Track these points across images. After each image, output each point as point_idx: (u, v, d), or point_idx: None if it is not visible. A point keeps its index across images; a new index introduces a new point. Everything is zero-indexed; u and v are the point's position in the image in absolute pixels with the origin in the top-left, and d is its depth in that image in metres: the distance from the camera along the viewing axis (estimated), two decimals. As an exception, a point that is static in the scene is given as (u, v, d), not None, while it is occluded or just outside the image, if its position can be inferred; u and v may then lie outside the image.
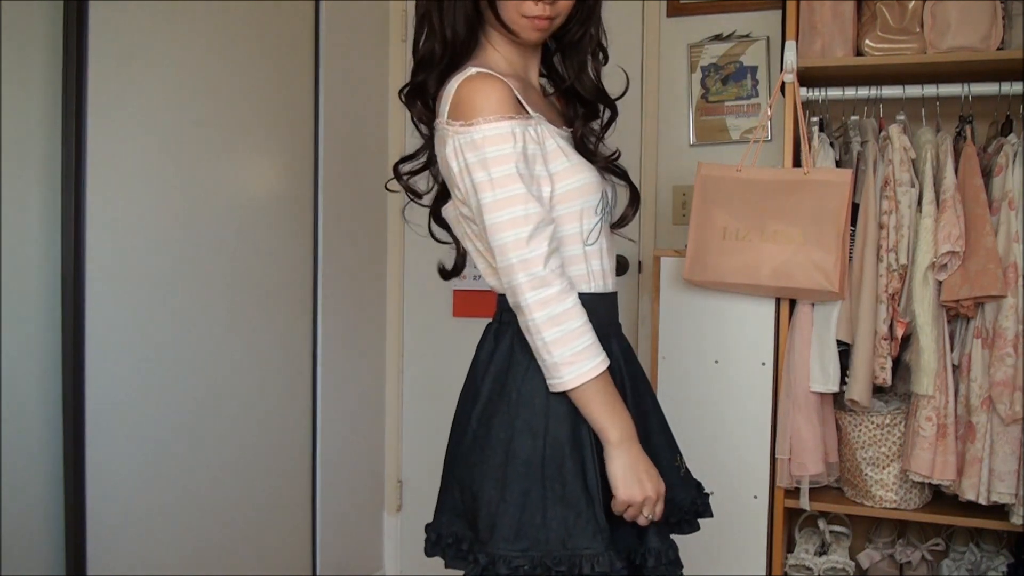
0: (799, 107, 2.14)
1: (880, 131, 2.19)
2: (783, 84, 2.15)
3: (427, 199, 1.42)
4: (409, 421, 2.98)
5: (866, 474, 2.18)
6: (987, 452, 2.00)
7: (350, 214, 2.70)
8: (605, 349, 1.32)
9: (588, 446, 1.26)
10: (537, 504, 1.24)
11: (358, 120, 2.74)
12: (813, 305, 2.16)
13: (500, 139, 1.21)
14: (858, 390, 2.09)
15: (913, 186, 2.08)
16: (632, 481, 1.24)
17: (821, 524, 2.37)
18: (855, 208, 2.12)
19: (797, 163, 2.16)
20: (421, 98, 1.32)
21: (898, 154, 2.08)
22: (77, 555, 1.77)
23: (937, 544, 2.30)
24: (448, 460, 1.39)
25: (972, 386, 2.02)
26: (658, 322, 2.26)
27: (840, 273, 2.02)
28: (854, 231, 2.12)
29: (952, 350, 2.07)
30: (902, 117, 2.14)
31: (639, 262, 2.72)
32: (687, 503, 1.43)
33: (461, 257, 1.45)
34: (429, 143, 1.36)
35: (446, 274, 1.47)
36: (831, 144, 2.21)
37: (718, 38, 2.64)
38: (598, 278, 1.33)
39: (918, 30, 2.13)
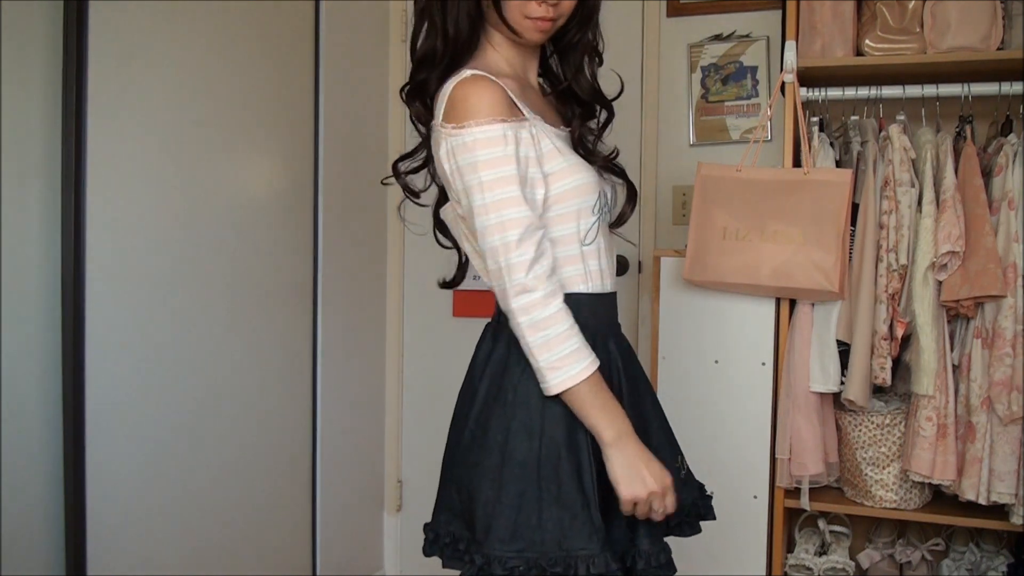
0: (799, 107, 2.14)
1: (880, 131, 2.20)
2: (783, 84, 2.15)
3: (425, 198, 1.42)
4: (409, 421, 2.98)
5: (866, 474, 2.18)
6: (987, 452, 2.00)
7: (350, 214, 2.70)
8: (603, 349, 1.32)
9: (584, 447, 1.26)
10: (533, 505, 1.24)
11: (358, 120, 2.74)
12: (813, 305, 2.16)
13: (491, 142, 1.21)
14: (855, 390, 2.09)
15: (913, 186, 2.08)
16: (633, 479, 1.24)
17: (821, 524, 2.37)
18: (855, 208, 2.12)
19: (797, 163, 2.16)
20: (421, 97, 1.32)
21: (898, 154, 2.08)
22: (77, 555, 1.77)
23: (937, 544, 2.30)
24: (446, 460, 1.39)
25: (972, 386, 2.02)
26: (658, 322, 2.26)
27: (840, 273, 2.02)
28: (854, 231, 2.12)
29: (952, 350, 2.07)
30: (902, 117, 2.14)
31: (639, 262, 2.72)
32: (688, 505, 1.43)
33: (461, 268, 1.45)
34: (426, 142, 1.36)
35: (447, 285, 1.47)
36: (831, 144, 2.21)
37: (718, 38, 2.64)
38: (596, 278, 1.33)
39: (918, 30, 2.13)
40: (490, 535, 1.24)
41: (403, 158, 1.40)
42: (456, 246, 1.43)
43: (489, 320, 1.40)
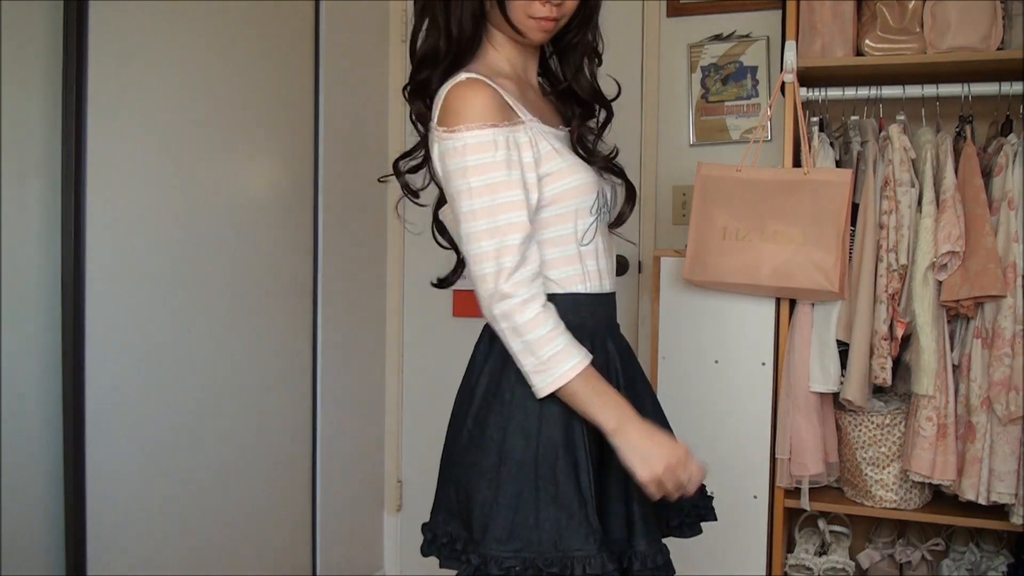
0: (799, 107, 2.14)
1: (880, 131, 2.19)
2: (783, 84, 2.15)
3: (424, 198, 1.42)
4: (409, 421, 2.98)
5: (866, 474, 2.18)
6: (987, 452, 2.00)
7: (350, 214, 2.70)
8: (601, 349, 1.32)
9: (582, 447, 1.26)
10: (530, 505, 1.24)
11: (358, 120, 2.74)
12: (813, 305, 2.16)
13: (481, 147, 1.21)
14: (853, 390, 2.09)
15: (913, 186, 2.08)
16: (643, 459, 1.23)
17: (821, 524, 2.37)
18: (855, 208, 2.12)
19: (797, 163, 2.16)
20: (422, 96, 1.32)
21: (898, 154, 2.08)
22: (77, 555, 1.77)
23: (937, 544, 2.30)
24: (444, 459, 1.39)
25: (972, 386, 2.02)
26: (658, 322, 2.26)
27: (840, 273, 2.02)
28: (854, 231, 2.12)
29: (952, 350, 2.07)
30: (902, 117, 2.14)
31: (639, 262, 2.72)
32: (689, 506, 1.43)
33: (457, 269, 1.45)
34: (425, 141, 1.36)
35: (440, 284, 1.47)
36: (831, 144, 2.21)
37: (718, 38, 2.63)
38: (594, 278, 1.33)
39: (918, 30, 2.13)
40: (487, 535, 1.24)
41: (403, 156, 1.40)
42: (454, 247, 1.43)
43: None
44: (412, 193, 1.41)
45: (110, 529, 1.85)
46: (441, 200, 1.42)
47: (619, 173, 1.41)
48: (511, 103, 1.27)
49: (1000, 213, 2.01)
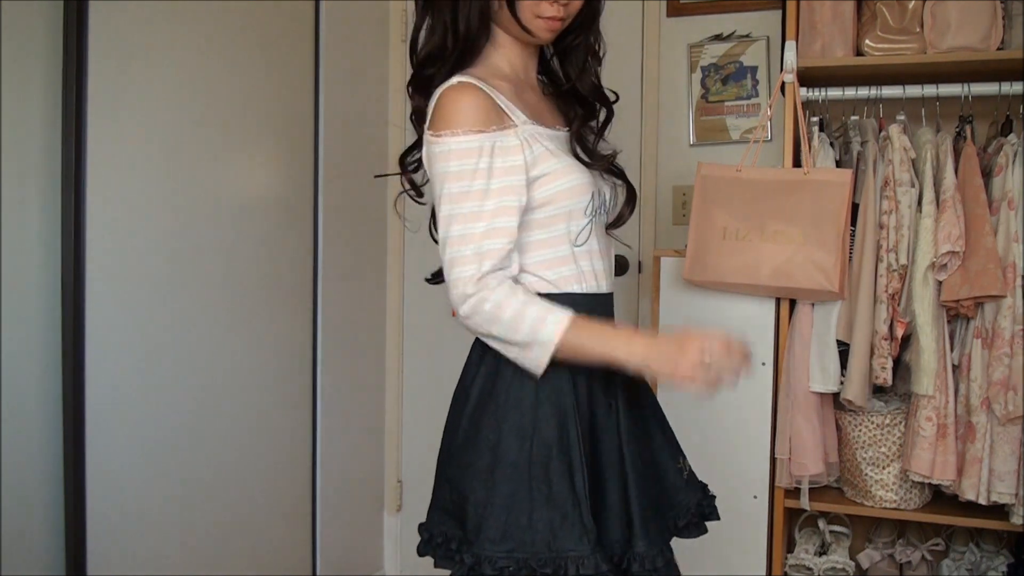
0: (799, 107, 2.14)
1: (880, 131, 2.20)
2: (783, 84, 2.15)
3: (425, 195, 1.42)
4: (409, 421, 2.98)
5: (866, 474, 2.18)
6: (987, 452, 2.00)
7: (350, 214, 2.70)
8: None
9: (576, 448, 1.26)
10: (524, 505, 1.24)
11: (358, 120, 2.74)
12: (813, 305, 2.16)
13: (464, 154, 1.22)
14: (854, 390, 2.09)
15: (913, 186, 2.08)
16: (668, 365, 1.20)
17: (821, 524, 2.37)
18: (855, 208, 2.12)
19: (797, 163, 2.16)
20: (425, 93, 1.32)
21: (898, 154, 2.08)
22: (77, 555, 1.77)
23: (937, 544, 2.30)
24: (441, 459, 1.39)
25: (972, 386, 2.02)
26: (658, 322, 2.26)
27: (840, 273, 2.02)
28: (854, 231, 2.12)
29: (952, 350, 2.07)
30: (902, 117, 2.14)
31: (639, 262, 2.72)
32: (692, 506, 1.43)
33: None
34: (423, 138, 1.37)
35: (434, 278, 1.47)
36: (831, 144, 2.21)
37: (718, 38, 2.63)
38: (590, 279, 1.33)
39: (918, 30, 2.13)
40: (481, 535, 1.24)
41: (408, 151, 1.40)
42: None
43: None
44: (415, 189, 1.41)
45: (110, 529, 1.85)
46: None
47: (619, 174, 1.41)
48: (504, 106, 1.27)
49: (1000, 213, 2.01)
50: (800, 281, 2.04)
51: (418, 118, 1.34)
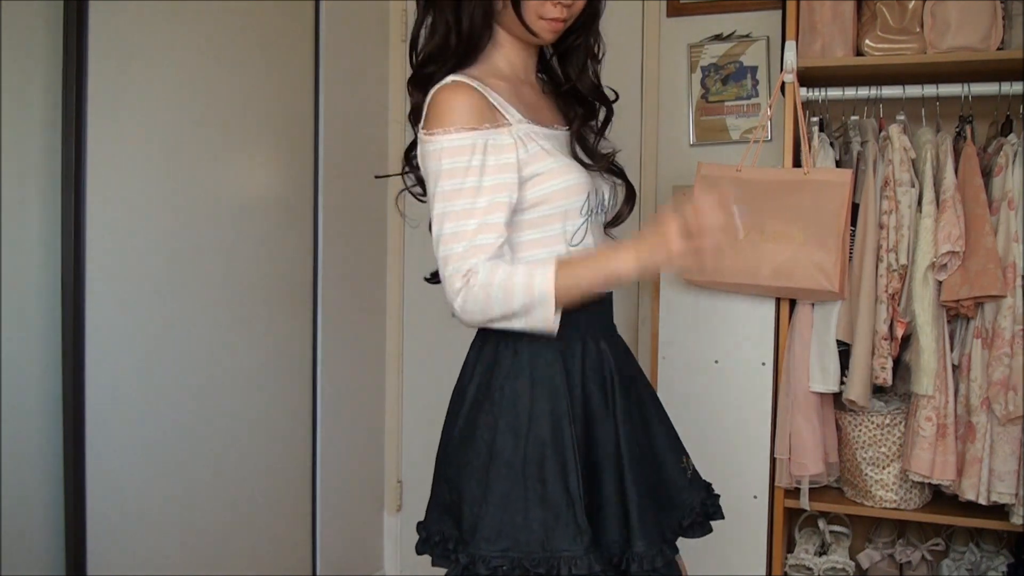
0: (799, 107, 2.14)
1: (880, 131, 2.20)
2: (783, 84, 2.15)
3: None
4: (409, 421, 2.98)
5: (866, 474, 2.18)
6: (987, 452, 2.00)
7: (350, 214, 2.70)
8: (594, 349, 1.32)
9: (571, 448, 1.26)
10: (518, 505, 1.24)
11: (358, 120, 2.74)
12: (813, 305, 2.16)
13: (456, 152, 1.22)
14: (856, 390, 2.09)
15: (913, 186, 2.08)
16: (660, 254, 1.19)
17: (821, 524, 2.37)
18: (855, 208, 2.12)
19: (797, 163, 2.16)
20: (424, 90, 1.32)
21: (898, 154, 2.08)
22: (77, 555, 1.77)
23: (937, 544, 2.30)
24: (438, 458, 1.40)
25: (972, 386, 2.02)
26: (658, 322, 2.26)
27: (840, 273, 2.02)
28: (854, 231, 2.12)
29: (952, 350, 2.07)
30: (902, 117, 2.14)
31: (639, 262, 2.71)
32: (697, 505, 1.43)
33: None
34: None
35: (433, 277, 1.47)
36: (831, 144, 2.21)
37: (718, 38, 2.63)
38: None
39: (918, 30, 2.13)
40: (476, 534, 1.24)
41: (412, 147, 1.40)
42: None
43: None
44: (420, 185, 1.40)
45: (110, 529, 1.85)
46: None
47: (619, 173, 1.41)
48: (498, 104, 1.27)
49: (1000, 213, 2.01)
50: (800, 281, 2.04)
51: (416, 116, 1.34)
